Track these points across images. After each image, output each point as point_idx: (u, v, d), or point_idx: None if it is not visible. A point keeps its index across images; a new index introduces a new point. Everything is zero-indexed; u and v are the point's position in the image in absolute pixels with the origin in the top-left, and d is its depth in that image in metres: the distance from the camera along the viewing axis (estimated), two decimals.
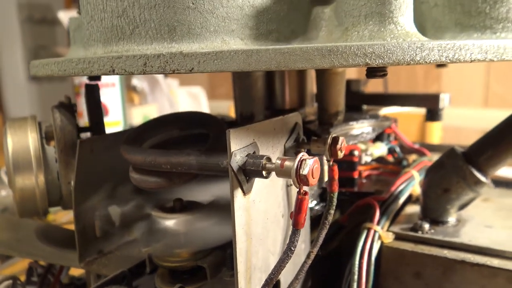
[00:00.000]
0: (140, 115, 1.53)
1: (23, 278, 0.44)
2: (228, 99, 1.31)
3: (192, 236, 0.31)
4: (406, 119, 1.10)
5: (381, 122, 0.48)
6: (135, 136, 0.34)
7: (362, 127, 0.46)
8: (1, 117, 2.62)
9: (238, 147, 0.25)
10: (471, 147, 0.37)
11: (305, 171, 0.24)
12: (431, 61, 0.23)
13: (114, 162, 0.35)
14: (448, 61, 0.23)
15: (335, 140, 0.31)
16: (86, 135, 0.38)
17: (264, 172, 0.25)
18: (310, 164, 0.24)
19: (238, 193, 0.26)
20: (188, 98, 1.71)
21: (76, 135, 0.35)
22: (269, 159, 0.25)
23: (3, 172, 0.95)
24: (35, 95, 3.18)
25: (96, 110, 0.37)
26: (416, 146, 0.59)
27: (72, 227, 0.37)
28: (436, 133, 1.22)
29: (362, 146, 0.51)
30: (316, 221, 0.37)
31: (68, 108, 0.36)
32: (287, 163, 0.24)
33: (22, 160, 0.36)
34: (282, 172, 0.25)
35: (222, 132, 0.35)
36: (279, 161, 0.25)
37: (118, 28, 0.27)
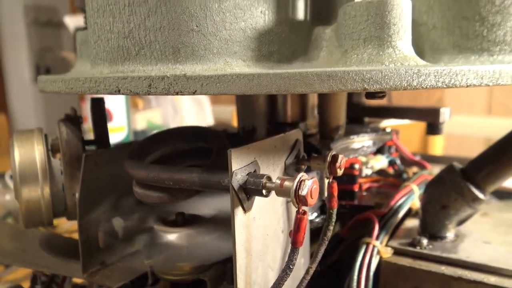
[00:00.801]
0: (144, 120, 1.55)
1: (26, 285, 0.45)
2: (231, 104, 1.32)
3: (194, 250, 0.32)
4: (408, 128, 1.10)
5: (381, 136, 0.48)
6: (138, 150, 0.35)
7: (363, 141, 0.47)
8: (5, 118, 2.63)
9: (239, 166, 0.26)
10: (470, 163, 0.38)
11: (304, 191, 0.24)
12: (428, 86, 0.24)
13: (118, 174, 0.36)
14: (445, 86, 0.24)
15: (335, 158, 0.31)
16: (91, 147, 0.39)
17: (264, 191, 0.26)
18: (309, 185, 0.24)
19: (239, 211, 0.26)
20: (191, 103, 1.72)
21: (82, 148, 0.36)
22: (269, 178, 0.26)
23: (8, 176, 0.96)
24: (39, 96, 3.20)
25: (101, 123, 0.38)
26: (417, 158, 0.59)
27: (75, 235, 0.38)
28: (439, 143, 1.22)
29: (363, 159, 0.52)
30: (316, 233, 0.37)
31: (74, 121, 0.37)
32: (286, 183, 0.25)
33: (29, 173, 0.37)
34: (281, 191, 0.25)
35: (224, 147, 0.36)
36: (278, 181, 0.25)
37: (124, 49, 0.28)
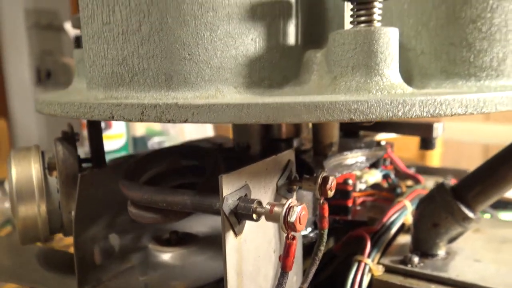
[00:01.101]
0: (143, 127, 1.55)
1: None
2: None
3: (187, 270, 0.33)
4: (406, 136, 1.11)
5: (375, 152, 0.49)
6: (133, 169, 0.35)
7: (356, 157, 0.47)
8: (5, 123, 2.64)
9: (230, 191, 0.27)
10: (461, 182, 0.39)
11: (292, 218, 0.25)
12: (413, 116, 0.24)
13: (113, 192, 0.36)
14: (429, 116, 0.24)
15: (326, 179, 0.32)
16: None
17: (254, 216, 0.26)
18: (297, 212, 0.25)
19: (230, 235, 0.27)
20: None
21: (78, 167, 0.37)
22: (259, 203, 0.27)
23: (7, 183, 0.96)
24: None
25: (98, 142, 0.39)
26: (411, 171, 0.60)
27: (71, 248, 0.39)
28: (437, 150, 1.23)
29: (357, 173, 0.52)
30: (310, 248, 0.38)
31: (70, 139, 0.37)
32: (276, 209, 0.26)
33: (25, 191, 0.37)
34: (271, 217, 0.26)
35: (217, 166, 0.37)
36: (268, 207, 0.26)
37: (118, 75, 0.28)
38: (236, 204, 0.26)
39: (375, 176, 0.53)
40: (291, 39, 0.31)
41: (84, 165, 0.39)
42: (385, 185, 0.57)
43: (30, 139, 2.98)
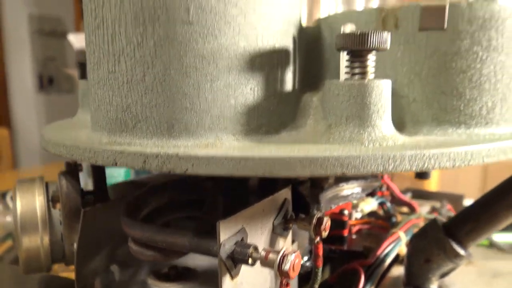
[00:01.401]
0: None
1: None
2: None
3: None
4: None
5: (370, 183, 0.50)
6: (134, 204, 0.37)
7: (352, 188, 0.48)
8: (8, 132, 2.66)
9: (227, 236, 0.28)
10: (453, 219, 0.40)
11: (286, 266, 0.26)
12: (403, 170, 0.25)
13: (115, 225, 0.37)
14: (418, 170, 0.26)
15: (320, 220, 0.33)
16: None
17: (250, 261, 0.27)
18: (291, 260, 0.26)
19: (226, 278, 0.28)
20: None
21: (80, 201, 0.38)
22: (255, 248, 0.28)
23: (9, 197, 0.97)
24: (42, 106, 3.24)
25: (100, 175, 0.40)
26: (407, 198, 0.61)
27: (72, 274, 0.40)
28: (433, 173, 1.24)
29: (353, 201, 0.53)
30: (306, 277, 0.39)
31: (73, 173, 0.39)
32: (271, 255, 0.27)
33: (29, 223, 0.38)
34: (266, 263, 0.27)
35: (214, 200, 0.38)
36: (264, 253, 0.27)
37: (122, 121, 0.29)
38: (233, 249, 0.27)
39: (371, 205, 0.54)
40: (289, 85, 0.32)
41: (87, 196, 0.40)
42: (381, 211, 0.58)
43: (31, 147, 2.99)
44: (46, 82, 3.31)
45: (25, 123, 3.11)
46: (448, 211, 0.63)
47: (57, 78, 3.31)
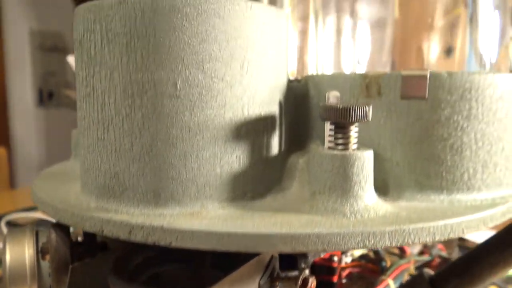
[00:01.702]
0: None
1: None
2: None
3: None
4: None
5: None
6: (123, 261, 0.37)
7: None
8: (5, 151, 2.65)
9: None
10: (439, 273, 0.40)
11: None
12: (382, 246, 0.26)
13: (102, 278, 0.37)
14: (399, 245, 0.26)
15: (305, 281, 0.33)
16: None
17: None
18: None
19: None
20: None
21: (70, 255, 0.38)
22: None
23: (4, 222, 0.97)
24: (42, 121, 3.25)
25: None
26: None
27: None
28: None
29: None
30: None
31: (64, 228, 0.39)
32: None
33: (18, 274, 0.38)
34: None
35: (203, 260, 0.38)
36: None
37: (109, 188, 0.30)
38: None
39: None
40: (275, 149, 0.33)
41: (77, 247, 0.40)
42: (371, 253, 0.58)
43: (30, 165, 2.99)
44: (46, 96, 3.33)
45: (24, 141, 3.12)
46: (439, 250, 0.63)
47: (57, 93, 3.32)
